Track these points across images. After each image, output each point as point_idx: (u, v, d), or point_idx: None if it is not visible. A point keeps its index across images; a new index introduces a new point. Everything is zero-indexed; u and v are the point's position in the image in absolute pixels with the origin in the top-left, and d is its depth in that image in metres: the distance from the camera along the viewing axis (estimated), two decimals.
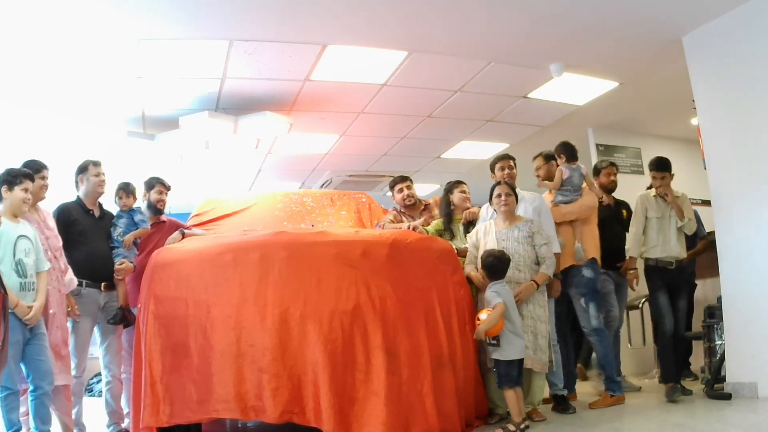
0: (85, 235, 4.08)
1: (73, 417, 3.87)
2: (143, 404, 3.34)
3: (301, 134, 6.59)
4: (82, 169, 4.18)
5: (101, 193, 4.23)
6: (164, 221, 4.61)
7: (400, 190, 4.66)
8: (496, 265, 3.75)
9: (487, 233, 4.03)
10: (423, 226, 4.35)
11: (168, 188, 4.67)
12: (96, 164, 4.21)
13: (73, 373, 3.87)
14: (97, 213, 4.22)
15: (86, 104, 5.39)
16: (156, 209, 4.57)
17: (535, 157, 4.71)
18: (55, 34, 4.18)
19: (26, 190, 3.63)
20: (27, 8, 3.84)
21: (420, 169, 8.33)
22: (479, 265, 3.89)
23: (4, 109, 5.29)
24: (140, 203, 4.49)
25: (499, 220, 4.05)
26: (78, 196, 4.20)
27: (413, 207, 4.67)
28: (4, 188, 3.58)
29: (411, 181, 4.78)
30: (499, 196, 3.99)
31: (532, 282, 3.86)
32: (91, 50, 4.46)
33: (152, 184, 4.61)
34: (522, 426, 3.56)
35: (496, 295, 3.67)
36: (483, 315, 3.62)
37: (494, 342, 3.60)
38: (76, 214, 4.11)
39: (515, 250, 3.89)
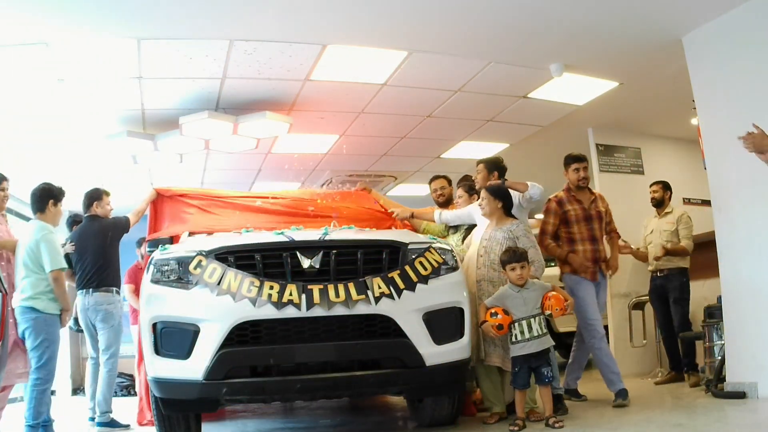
0: None
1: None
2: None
3: (301, 134, 6.59)
4: (97, 197, 4.84)
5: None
6: None
7: (434, 190, 5.09)
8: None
9: (477, 233, 4.14)
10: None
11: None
12: (107, 194, 4.93)
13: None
14: None
15: (86, 104, 5.38)
16: None
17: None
18: (55, 33, 4.17)
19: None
20: (27, 7, 3.84)
21: (420, 169, 8.32)
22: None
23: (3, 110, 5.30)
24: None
25: (490, 221, 4.09)
26: (97, 215, 4.84)
27: (446, 205, 4.94)
28: (51, 202, 3.90)
29: (446, 179, 5.13)
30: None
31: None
32: (91, 50, 4.45)
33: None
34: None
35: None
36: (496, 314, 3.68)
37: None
38: None
39: (491, 249, 3.95)
